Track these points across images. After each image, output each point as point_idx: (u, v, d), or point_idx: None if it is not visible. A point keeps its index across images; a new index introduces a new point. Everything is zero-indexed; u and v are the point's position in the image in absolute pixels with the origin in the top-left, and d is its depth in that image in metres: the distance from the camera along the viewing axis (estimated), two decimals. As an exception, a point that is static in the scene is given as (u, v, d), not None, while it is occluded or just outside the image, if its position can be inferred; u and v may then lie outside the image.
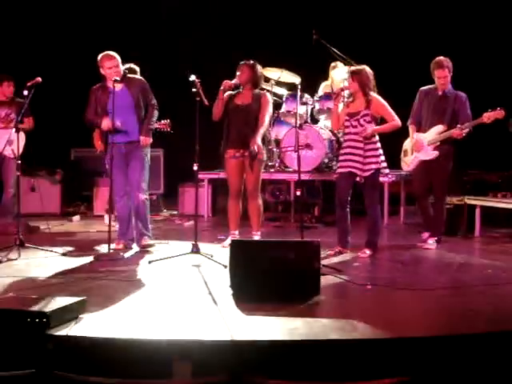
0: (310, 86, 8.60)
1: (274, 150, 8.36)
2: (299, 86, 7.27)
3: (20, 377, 2.97)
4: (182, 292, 4.62)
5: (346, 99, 6.25)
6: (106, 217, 7.65)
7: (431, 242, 6.35)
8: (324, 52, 8.29)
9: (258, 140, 6.06)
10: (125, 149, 6.07)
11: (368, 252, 5.89)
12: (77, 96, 8.00)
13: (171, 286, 4.83)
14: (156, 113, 6.19)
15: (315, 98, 8.47)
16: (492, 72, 8.88)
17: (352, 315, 4.04)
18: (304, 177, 7.41)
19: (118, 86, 6.00)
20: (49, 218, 7.60)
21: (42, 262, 5.65)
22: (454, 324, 3.94)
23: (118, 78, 5.88)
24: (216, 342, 3.49)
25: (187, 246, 5.77)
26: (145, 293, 4.58)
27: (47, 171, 8.85)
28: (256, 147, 6.00)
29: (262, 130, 6.13)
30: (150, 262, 5.58)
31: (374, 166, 5.83)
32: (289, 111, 8.41)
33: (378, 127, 5.89)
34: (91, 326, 3.68)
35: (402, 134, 6.70)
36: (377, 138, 5.93)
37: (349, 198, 5.95)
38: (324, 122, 8.56)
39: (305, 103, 8.33)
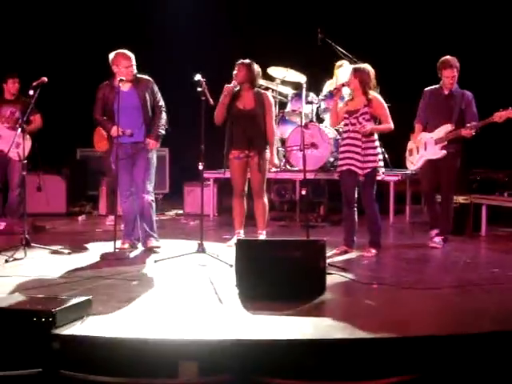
0: (315, 85, 8.59)
1: (280, 149, 8.36)
2: (304, 85, 7.27)
3: (26, 376, 2.97)
4: (188, 291, 4.62)
5: (345, 98, 6.26)
6: (108, 218, 7.67)
7: (438, 241, 6.34)
8: (329, 51, 8.29)
9: (276, 159, 6.50)
10: (131, 149, 6.04)
11: (373, 251, 5.89)
12: (83, 95, 8.04)
13: (177, 285, 4.84)
14: (164, 115, 6.11)
15: (320, 97, 8.46)
16: (496, 70, 8.85)
17: (358, 314, 4.05)
18: (309, 176, 7.41)
19: (126, 86, 5.98)
20: (54, 218, 7.62)
21: (47, 262, 5.66)
22: (459, 323, 3.93)
23: (123, 78, 5.87)
24: (222, 341, 3.48)
25: (193, 245, 5.77)
26: (150, 292, 4.58)
27: (53, 171, 8.86)
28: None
29: (274, 141, 6.37)
30: (155, 262, 5.58)
31: (371, 164, 5.85)
32: (294, 110, 8.40)
33: (375, 126, 5.93)
34: (97, 325, 3.69)
35: (407, 133, 6.70)
36: (376, 136, 5.98)
37: (356, 197, 5.95)
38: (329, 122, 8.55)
39: (310, 102, 8.32)
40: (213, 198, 8.61)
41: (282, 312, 3.98)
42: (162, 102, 6.14)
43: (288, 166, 8.41)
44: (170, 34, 9.80)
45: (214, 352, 3.43)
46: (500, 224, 7.42)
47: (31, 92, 6.03)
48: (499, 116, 5.97)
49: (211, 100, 5.80)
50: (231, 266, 4.95)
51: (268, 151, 6.26)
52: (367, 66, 5.98)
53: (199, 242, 5.67)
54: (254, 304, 4.18)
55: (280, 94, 8.61)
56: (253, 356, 3.39)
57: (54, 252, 5.98)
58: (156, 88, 6.11)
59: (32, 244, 5.95)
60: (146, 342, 3.47)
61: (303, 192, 5.89)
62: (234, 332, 3.62)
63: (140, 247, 6.16)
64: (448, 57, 6.27)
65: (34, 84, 6.03)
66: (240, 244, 4.62)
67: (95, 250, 6.02)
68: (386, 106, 6.01)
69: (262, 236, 6.29)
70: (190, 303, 4.28)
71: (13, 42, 9.52)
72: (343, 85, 6.14)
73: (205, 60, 8.49)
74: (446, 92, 6.32)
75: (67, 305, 3.69)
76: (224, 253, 5.72)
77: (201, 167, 5.75)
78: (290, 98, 8.54)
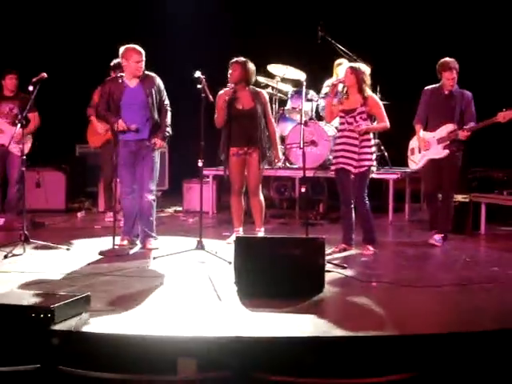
0: (315, 83, 8.58)
1: (279, 146, 8.33)
2: (304, 83, 7.25)
3: (25, 372, 2.97)
4: (187, 288, 4.62)
5: (340, 95, 6.24)
6: (107, 215, 7.66)
7: (437, 239, 6.34)
8: (329, 48, 8.28)
9: (280, 154, 6.77)
10: (135, 146, 5.98)
11: (371, 249, 5.89)
12: (82, 92, 8.05)
13: (176, 282, 4.83)
14: (169, 114, 6.07)
15: (320, 95, 8.45)
16: (496, 70, 8.85)
17: (356, 312, 4.05)
18: (309, 173, 7.40)
19: (133, 82, 5.93)
20: (54, 214, 7.61)
21: (46, 258, 5.66)
22: (459, 321, 3.93)
23: (122, 74, 5.85)
24: (221, 338, 3.49)
25: (192, 242, 5.77)
26: (149, 289, 4.57)
27: (52, 167, 8.84)
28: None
29: (277, 138, 6.48)
30: (154, 259, 5.58)
31: (367, 163, 5.87)
32: (294, 108, 8.40)
33: (371, 126, 5.97)
34: (96, 321, 3.69)
35: (406, 132, 6.69)
36: (371, 135, 6.01)
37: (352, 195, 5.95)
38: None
39: (310, 100, 8.30)
40: (212, 195, 8.60)
41: (280, 309, 3.99)
42: (167, 101, 6.08)
43: (287, 164, 8.41)
44: (170, 30, 9.80)
45: (213, 349, 3.43)
46: (499, 222, 7.43)
47: (31, 88, 6.01)
48: (503, 116, 5.98)
49: (211, 97, 5.78)
50: (230, 263, 4.95)
51: (266, 149, 6.25)
52: (362, 66, 6.06)
53: (198, 239, 5.67)
54: (252, 301, 4.18)
55: (280, 91, 8.61)
56: (252, 353, 3.39)
57: (53, 248, 5.96)
58: (162, 86, 6.05)
59: (31, 240, 5.95)
60: (145, 339, 3.47)
61: (303, 189, 5.90)
62: (232, 329, 3.62)
63: (139, 244, 6.15)
64: (447, 59, 6.27)
65: (34, 80, 6.01)
66: (239, 241, 4.61)
67: (94, 247, 6.01)
68: (381, 104, 6.04)
69: (261, 233, 6.29)
70: (189, 300, 4.28)
71: (13, 38, 9.50)
72: (340, 81, 6.14)
73: (204, 57, 8.47)
74: (447, 92, 6.32)
75: (66, 301, 3.68)
76: (223, 250, 5.72)
77: (200, 164, 5.74)
78: (289, 96, 8.53)
